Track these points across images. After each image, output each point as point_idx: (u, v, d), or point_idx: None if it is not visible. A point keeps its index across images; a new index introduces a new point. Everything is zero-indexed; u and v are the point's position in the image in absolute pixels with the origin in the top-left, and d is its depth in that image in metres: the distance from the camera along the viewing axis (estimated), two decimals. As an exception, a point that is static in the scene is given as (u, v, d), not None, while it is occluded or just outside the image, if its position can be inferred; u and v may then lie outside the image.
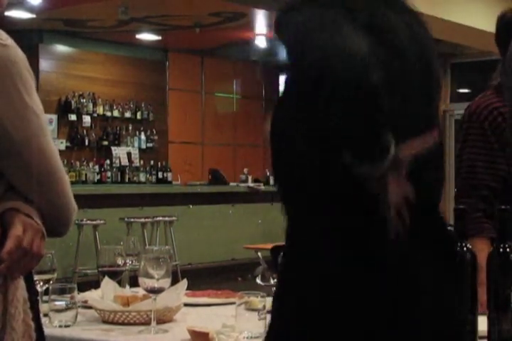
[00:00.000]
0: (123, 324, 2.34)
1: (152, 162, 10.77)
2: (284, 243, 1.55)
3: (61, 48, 10.05)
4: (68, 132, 10.03)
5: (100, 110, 10.33)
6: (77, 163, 9.88)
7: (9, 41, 1.54)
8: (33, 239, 1.54)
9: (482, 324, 1.89)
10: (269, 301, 2.16)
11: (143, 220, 8.18)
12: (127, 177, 10.40)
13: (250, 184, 10.15)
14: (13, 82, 1.52)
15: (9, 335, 1.51)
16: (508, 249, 1.79)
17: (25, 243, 1.52)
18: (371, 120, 1.31)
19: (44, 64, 9.64)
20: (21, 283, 1.57)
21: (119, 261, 2.56)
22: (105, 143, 10.39)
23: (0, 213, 1.55)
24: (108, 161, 10.30)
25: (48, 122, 1.63)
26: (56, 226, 1.62)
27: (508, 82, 1.19)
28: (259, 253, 6.07)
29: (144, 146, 10.82)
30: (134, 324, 2.33)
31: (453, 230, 1.94)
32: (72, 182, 1.67)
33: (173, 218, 8.45)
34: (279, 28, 1.44)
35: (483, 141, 2.65)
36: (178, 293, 2.45)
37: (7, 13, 8.43)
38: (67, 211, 1.63)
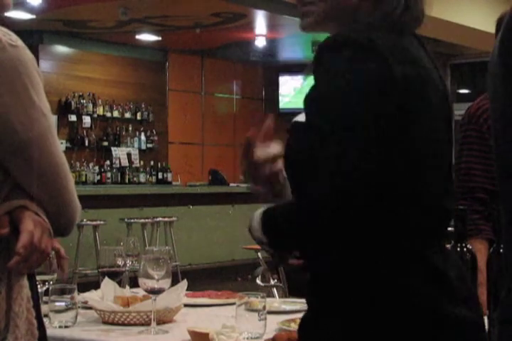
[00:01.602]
0: (123, 324, 2.34)
1: (152, 162, 10.77)
2: None
3: (61, 49, 10.05)
4: (68, 133, 10.03)
5: (100, 111, 10.33)
6: (77, 164, 9.88)
7: (19, 42, 1.57)
8: (42, 236, 1.55)
9: (482, 324, 1.89)
10: (268, 302, 2.16)
11: (143, 221, 8.18)
12: (127, 177, 10.40)
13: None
14: (22, 82, 1.55)
15: (13, 333, 1.52)
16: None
17: (36, 239, 1.54)
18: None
19: (44, 64, 9.63)
20: (25, 281, 1.58)
21: (119, 262, 2.56)
22: (105, 143, 10.39)
23: (9, 210, 1.56)
24: (108, 162, 10.30)
25: (54, 122, 1.65)
26: (60, 225, 1.63)
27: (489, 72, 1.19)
28: (259, 254, 6.06)
29: (144, 147, 10.82)
30: (134, 324, 2.33)
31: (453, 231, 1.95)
32: (73, 184, 1.69)
33: (173, 219, 8.45)
34: (317, 66, 1.43)
35: (481, 144, 2.67)
36: (178, 294, 2.45)
37: (7, 14, 8.42)
38: (71, 210, 1.64)
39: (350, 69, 1.38)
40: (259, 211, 1.50)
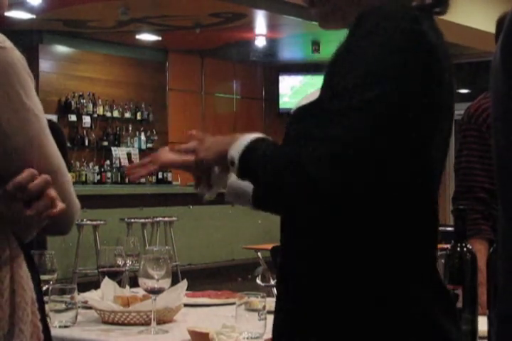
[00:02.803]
0: (123, 324, 2.34)
1: (152, 162, 10.75)
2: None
3: (61, 49, 10.05)
4: (68, 133, 10.02)
5: (100, 110, 10.33)
6: (77, 164, 9.88)
7: (7, 43, 1.54)
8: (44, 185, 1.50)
9: (482, 324, 1.89)
10: (269, 302, 2.16)
11: (143, 221, 8.19)
12: (127, 177, 10.40)
13: (250, 184, 10.15)
14: (11, 84, 1.52)
15: (17, 337, 1.51)
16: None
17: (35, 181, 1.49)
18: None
19: (44, 64, 9.63)
20: (29, 284, 1.56)
21: (119, 262, 2.56)
22: (105, 143, 10.39)
23: None
24: (108, 162, 10.30)
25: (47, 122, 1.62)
26: (58, 225, 1.62)
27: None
28: (259, 254, 6.07)
29: (144, 147, 10.82)
30: (134, 324, 2.33)
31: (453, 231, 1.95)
32: (72, 183, 1.67)
33: (173, 218, 8.45)
34: (355, 31, 1.39)
35: (480, 144, 2.67)
36: (178, 294, 2.45)
37: (7, 14, 8.42)
38: (70, 210, 1.63)
39: (390, 37, 1.34)
40: (253, 135, 1.46)
